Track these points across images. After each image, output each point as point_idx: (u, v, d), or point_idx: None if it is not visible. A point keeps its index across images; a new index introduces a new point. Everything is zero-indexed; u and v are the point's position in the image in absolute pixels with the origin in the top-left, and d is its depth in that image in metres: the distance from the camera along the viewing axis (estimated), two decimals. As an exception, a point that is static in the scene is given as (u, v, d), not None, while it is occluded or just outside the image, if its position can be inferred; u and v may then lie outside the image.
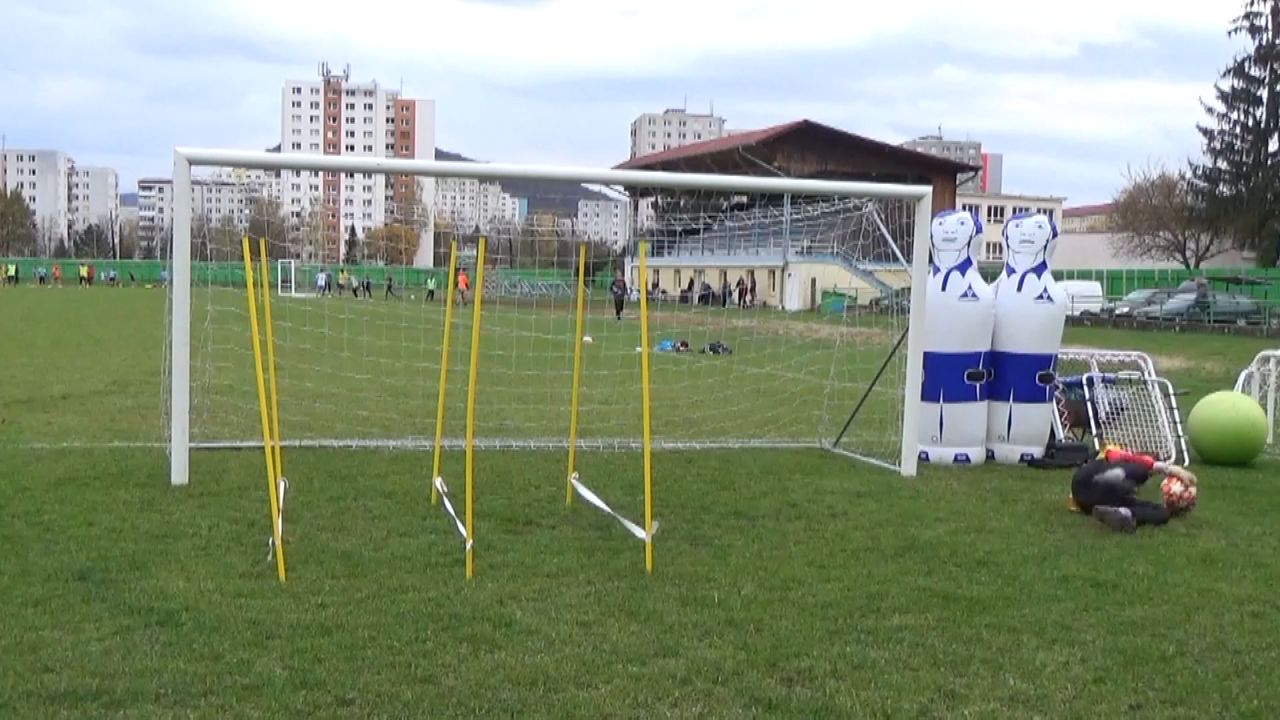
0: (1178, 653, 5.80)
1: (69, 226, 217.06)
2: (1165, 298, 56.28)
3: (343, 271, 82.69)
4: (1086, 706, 5.05)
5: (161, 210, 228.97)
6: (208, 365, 11.65)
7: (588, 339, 10.29)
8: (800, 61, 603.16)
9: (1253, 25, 75.91)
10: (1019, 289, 12.17)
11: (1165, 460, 11.89)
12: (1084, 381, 12.84)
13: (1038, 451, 12.04)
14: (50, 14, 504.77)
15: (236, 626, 5.75)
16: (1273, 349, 14.43)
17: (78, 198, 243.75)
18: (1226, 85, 77.49)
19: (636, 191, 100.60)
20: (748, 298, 68.74)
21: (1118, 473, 9.05)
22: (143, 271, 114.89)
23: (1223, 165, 77.86)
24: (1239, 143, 77.31)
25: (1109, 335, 43.53)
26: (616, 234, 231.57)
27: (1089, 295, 59.44)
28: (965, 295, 11.79)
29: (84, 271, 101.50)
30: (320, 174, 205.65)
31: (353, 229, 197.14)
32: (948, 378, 11.78)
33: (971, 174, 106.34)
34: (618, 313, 43.11)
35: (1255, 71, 76.82)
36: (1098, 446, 12.30)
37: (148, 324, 29.85)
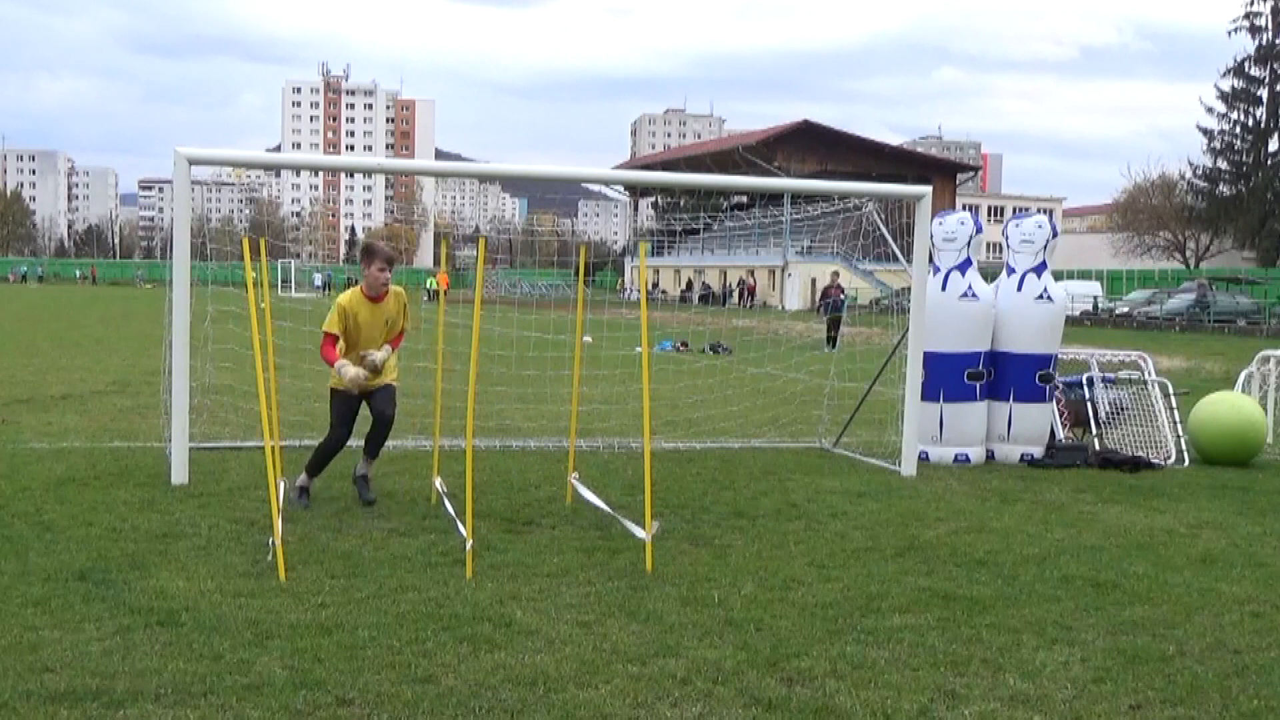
0: (1178, 653, 5.79)
1: (69, 226, 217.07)
2: (1165, 298, 56.38)
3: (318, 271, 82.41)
4: (1086, 706, 5.05)
5: (161, 210, 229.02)
6: (208, 365, 11.65)
7: (587, 339, 10.28)
8: (799, 61, 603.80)
9: (1253, 25, 75.99)
10: (1019, 289, 12.18)
11: (1165, 461, 11.92)
12: (1084, 381, 12.84)
13: (1038, 451, 12.04)
14: (44, 13, 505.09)
15: (236, 626, 5.75)
16: (1273, 349, 14.43)
17: (77, 198, 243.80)
18: (1226, 85, 77.59)
19: (636, 191, 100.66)
20: (750, 299, 68.63)
21: None
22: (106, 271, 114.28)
23: (1223, 165, 77.96)
24: (1239, 143, 77.40)
25: (1109, 335, 43.54)
26: (616, 234, 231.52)
27: (1088, 295, 59.51)
28: (965, 295, 11.80)
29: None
30: (320, 174, 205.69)
31: (353, 229, 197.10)
32: (948, 378, 11.78)
33: (971, 174, 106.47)
34: (832, 340, 25.61)
35: (1255, 71, 76.91)
36: (1097, 446, 12.31)
37: (148, 324, 29.83)
